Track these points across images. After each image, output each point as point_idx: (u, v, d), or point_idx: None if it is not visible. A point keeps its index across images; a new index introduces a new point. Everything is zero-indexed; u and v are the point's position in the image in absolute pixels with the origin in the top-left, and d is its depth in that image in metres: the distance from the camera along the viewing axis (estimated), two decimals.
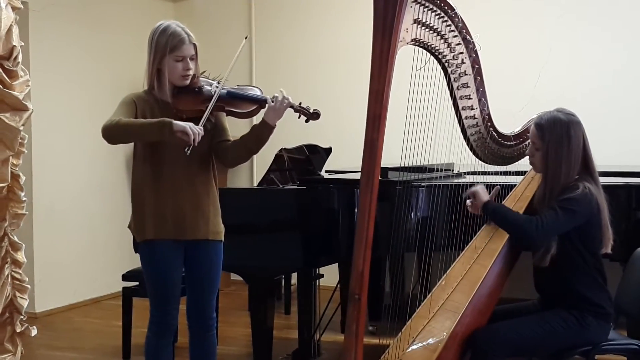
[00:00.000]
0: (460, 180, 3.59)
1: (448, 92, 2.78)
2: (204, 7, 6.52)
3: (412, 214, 3.46)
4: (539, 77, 5.22)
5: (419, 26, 2.48)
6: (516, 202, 2.93)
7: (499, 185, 2.98)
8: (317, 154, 4.23)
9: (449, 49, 2.68)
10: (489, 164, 3.04)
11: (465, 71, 2.76)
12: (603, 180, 2.78)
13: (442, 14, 2.57)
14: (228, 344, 4.39)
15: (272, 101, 2.70)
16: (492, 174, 3.17)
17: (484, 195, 2.76)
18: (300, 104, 2.75)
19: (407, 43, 2.42)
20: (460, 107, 2.83)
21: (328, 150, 4.34)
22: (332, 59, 6.06)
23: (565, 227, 2.62)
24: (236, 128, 3.05)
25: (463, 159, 3.02)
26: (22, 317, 3.21)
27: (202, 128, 2.59)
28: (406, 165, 2.63)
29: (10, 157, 2.99)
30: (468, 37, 2.70)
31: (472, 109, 2.86)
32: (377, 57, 2.27)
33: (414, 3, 2.41)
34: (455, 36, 2.67)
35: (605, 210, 2.66)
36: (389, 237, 3.24)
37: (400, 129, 2.50)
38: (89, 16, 5.71)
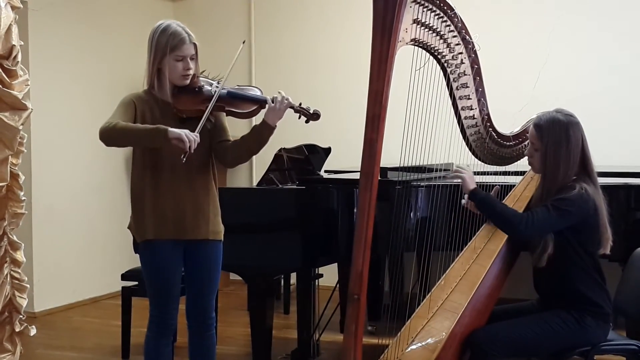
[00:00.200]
0: (459, 181, 3.58)
1: (447, 92, 2.78)
2: (203, 6, 6.52)
3: (412, 214, 3.46)
4: (538, 77, 5.22)
5: (419, 26, 2.48)
6: (515, 202, 2.93)
7: (499, 185, 2.99)
8: (317, 153, 4.24)
9: (448, 49, 2.68)
10: (488, 164, 3.04)
11: (464, 71, 2.77)
12: (602, 180, 2.78)
13: (442, 14, 2.57)
14: (227, 344, 4.39)
15: (273, 102, 2.70)
16: (491, 174, 3.17)
17: (471, 182, 2.74)
18: (300, 104, 2.75)
19: (406, 43, 2.42)
20: (459, 107, 2.83)
21: (327, 150, 4.34)
22: (332, 59, 6.05)
23: (556, 226, 2.61)
24: (236, 128, 3.05)
25: (462, 159, 3.02)
26: (21, 316, 3.21)
27: (198, 135, 2.58)
28: (405, 165, 2.63)
29: (10, 157, 2.99)
30: (467, 37, 2.70)
31: (472, 109, 2.86)
32: (376, 57, 2.27)
33: (414, 3, 2.41)
34: (455, 36, 2.67)
35: (603, 210, 2.66)
36: (388, 237, 3.24)
37: (400, 128, 2.50)
38: (89, 16, 5.71)
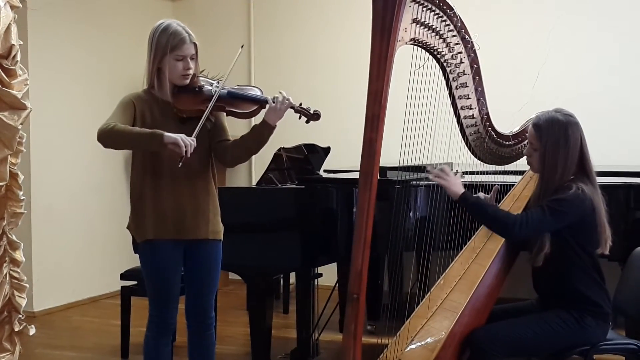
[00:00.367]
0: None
1: (447, 92, 2.78)
2: (203, 6, 6.52)
3: (411, 214, 3.46)
4: (537, 77, 5.22)
5: (418, 26, 2.48)
6: (514, 202, 2.93)
7: (498, 184, 2.99)
8: (316, 153, 4.24)
9: (447, 48, 2.68)
10: (488, 163, 3.04)
11: (463, 71, 2.77)
12: (602, 180, 2.78)
13: (441, 14, 2.58)
14: (227, 343, 4.39)
15: (273, 101, 2.70)
16: (490, 174, 3.17)
17: (457, 187, 2.66)
18: (300, 104, 2.75)
19: (405, 43, 2.42)
20: (458, 107, 2.83)
21: (327, 150, 4.35)
22: (332, 59, 6.05)
23: (551, 226, 2.60)
24: (236, 128, 3.05)
25: (461, 159, 3.02)
26: (20, 316, 3.20)
27: (194, 139, 2.57)
28: (405, 164, 2.63)
29: (9, 156, 2.99)
30: (467, 36, 2.70)
31: (471, 108, 2.86)
32: (375, 57, 2.28)
33: (413, 3, 2.41)
34: (454, 36, 2.67)
35: (601, 210, 2.66)
36: (388, 237, 3.24)
37: (399, 128, 2.50)
38: (88, 15, 5.71)
